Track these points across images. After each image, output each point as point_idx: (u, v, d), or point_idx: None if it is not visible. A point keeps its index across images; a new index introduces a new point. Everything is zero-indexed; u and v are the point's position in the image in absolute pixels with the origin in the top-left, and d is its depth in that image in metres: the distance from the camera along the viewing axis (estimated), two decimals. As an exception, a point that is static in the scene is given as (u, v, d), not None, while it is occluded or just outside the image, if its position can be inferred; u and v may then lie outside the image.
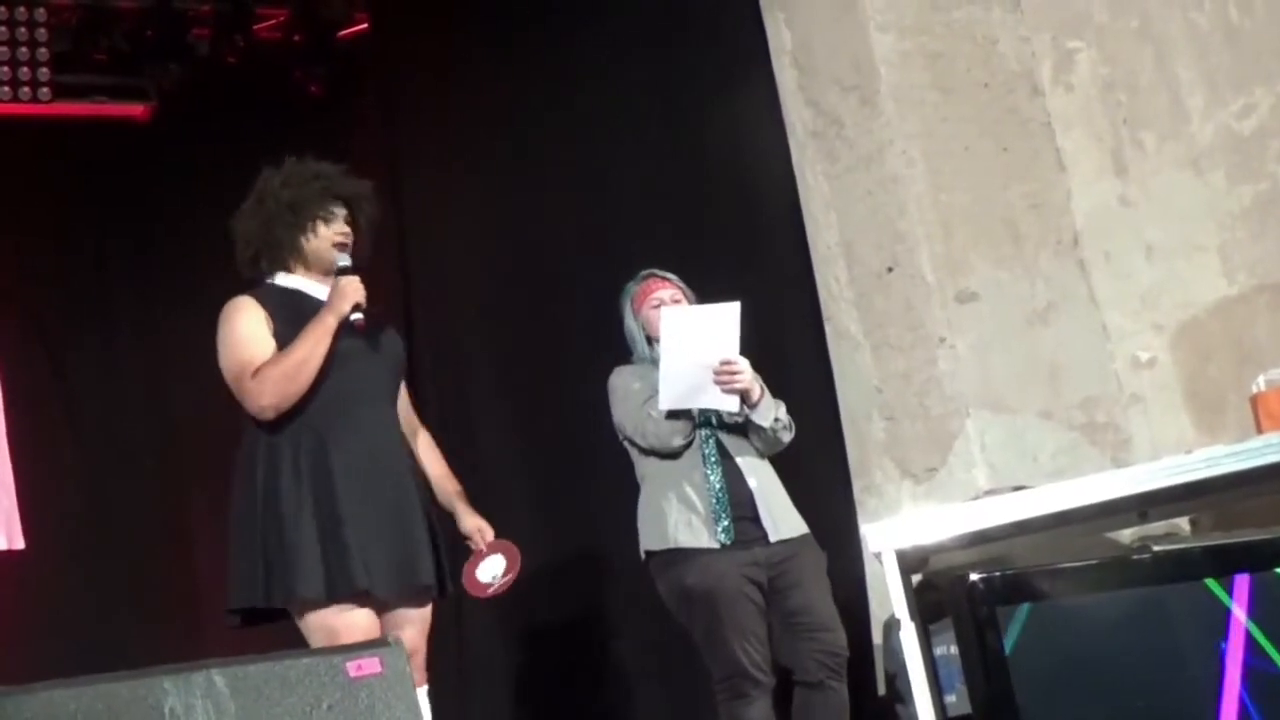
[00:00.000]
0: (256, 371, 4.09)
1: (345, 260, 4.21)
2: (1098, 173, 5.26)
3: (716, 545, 4.54)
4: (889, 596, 4.70)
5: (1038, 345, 5.18)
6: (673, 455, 4.63)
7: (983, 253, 5.21)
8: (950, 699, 4.47)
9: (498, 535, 4.43)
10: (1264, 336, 4.84)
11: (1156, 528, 4.45)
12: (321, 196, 4.28)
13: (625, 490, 4.78)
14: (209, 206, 5.58)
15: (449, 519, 4.39)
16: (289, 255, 4.28)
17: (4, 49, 6.64)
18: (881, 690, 5.07)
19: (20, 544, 6.59)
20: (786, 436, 4.66)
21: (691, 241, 5.67)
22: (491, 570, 4.42)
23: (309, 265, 4.26)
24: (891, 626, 4.89)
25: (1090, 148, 5.27)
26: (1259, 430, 4.42)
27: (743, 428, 4.61)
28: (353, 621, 3.96)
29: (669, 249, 5.58)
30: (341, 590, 3.95)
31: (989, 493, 4.72)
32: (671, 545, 4.58)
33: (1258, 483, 4.24)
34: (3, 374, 6.73)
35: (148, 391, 7.00)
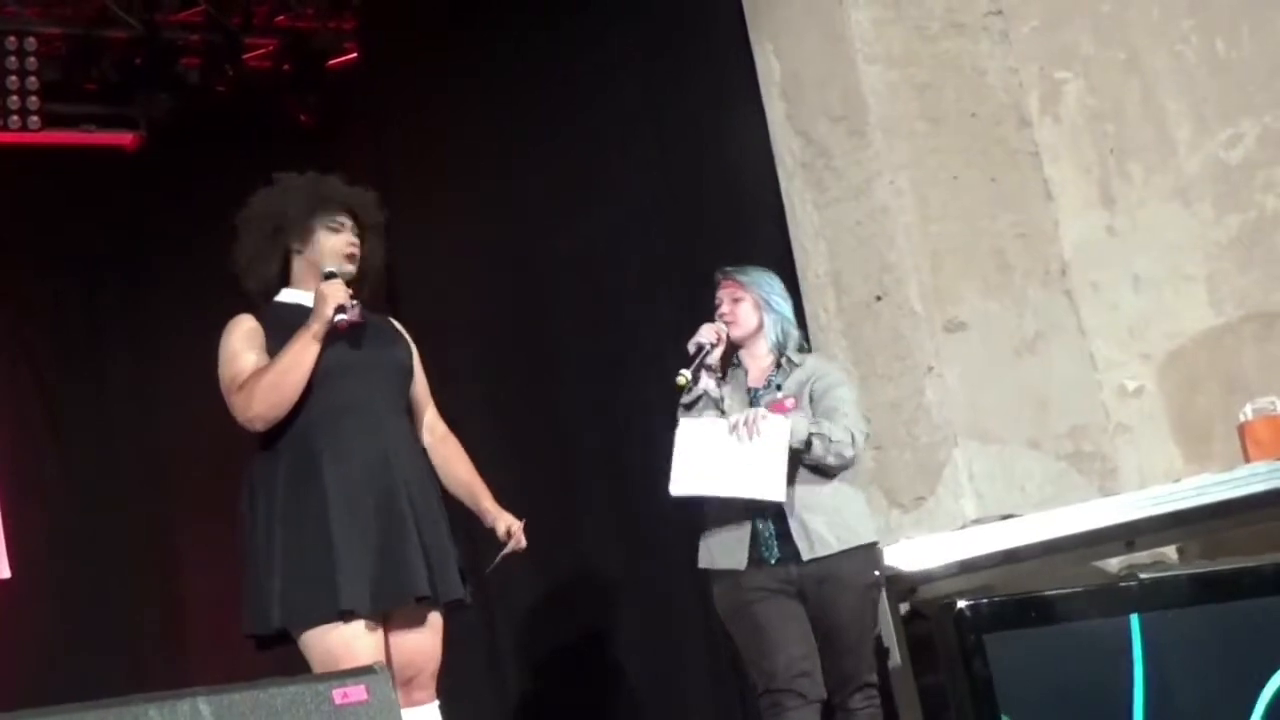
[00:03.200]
0: (244, 383, 4.10)
1: (331, 267, 4.20)
2: (1085, 203, 5.29)
3: (741, 565, 4.52)
4: (878, 625, 4.74)
5: (1026, 375, 5.19)
6: None
7: (971, 283, 5.23)
8: (941, 729, 4.47)
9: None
10: (1251, 366, 4.85)
11: (1143, 556, 4.45)
12: (322, 207, 4.28)
13: (616, 508, 4.77)
14: (198, 234, 5.59)
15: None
16: (283, 269, 4.30)
17: (-8, 73, 6.66)
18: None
19: (6, 573, 6.58)
20: (836, 453, 4.49)
21: (681, 269, 5.67)
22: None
23: (308, 279, 4.27)
24: (881, 655, 4.88)
25: (1078, 178, 5.30)
26: (1246, 459, 4.44)
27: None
28: (349, 641, 3.92)
29: (658, 276, 5.63)
30: (321, 614, 3.94)
31: (977, 522, 4.73)
32: (708, 566, 4.60)
33: (1245, 511, 4.26)
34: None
35: (136, 419, 7.00)
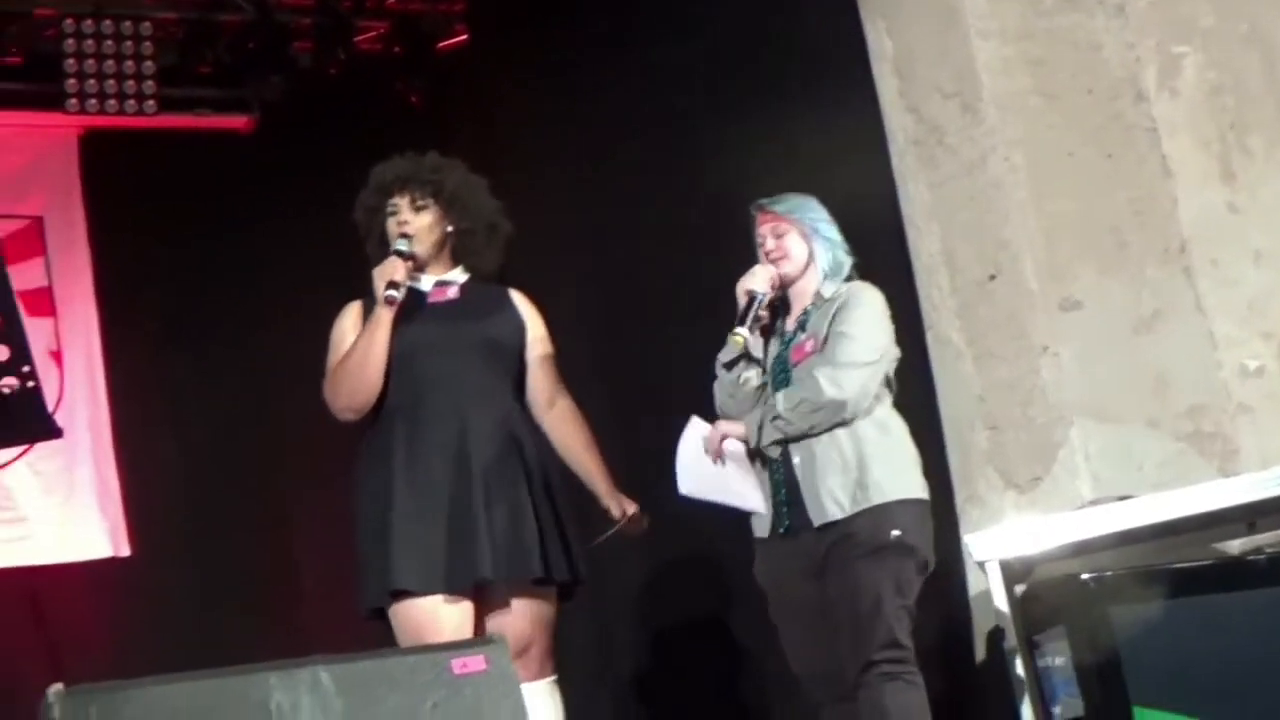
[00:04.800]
0: (328, 378, 4.21)
1: (401, 245, 4.23)
2: (1204, 179, 5.20)
3: (766, 535, 4.43)
4: (992, 607, 4.70)
5: (1143, 354, 5.12)
6: None
7: (1087, 260, 5.17)
8: (1056, 710, 4.43)
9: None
10: (1378, 345, 4.77)
11: (1265, 539, 4.38)
12: (375, 195, 4.36)
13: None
14: (309, 216, 5.65)
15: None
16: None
17: (111, 63, 6.77)
18: (985, 700, 5.03)
19: (126, 551, 6.72)
20: (815, 418, 4.28)
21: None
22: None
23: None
24: (995, 638, 4.84)
25: (1197, 154, 5.22)
26: (1373, 439, 4.37)
27: None
28: (434, 617, 3.93)
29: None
30: (374, 595, 4.03)
31: (1093, 503, 4.69)
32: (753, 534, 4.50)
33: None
34: (109, 384, 6.85)
35: (250, 397, 7.08)
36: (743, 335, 4.43)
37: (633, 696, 6.30)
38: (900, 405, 4.82)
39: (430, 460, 4.11)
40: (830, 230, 4.56)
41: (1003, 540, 4.65)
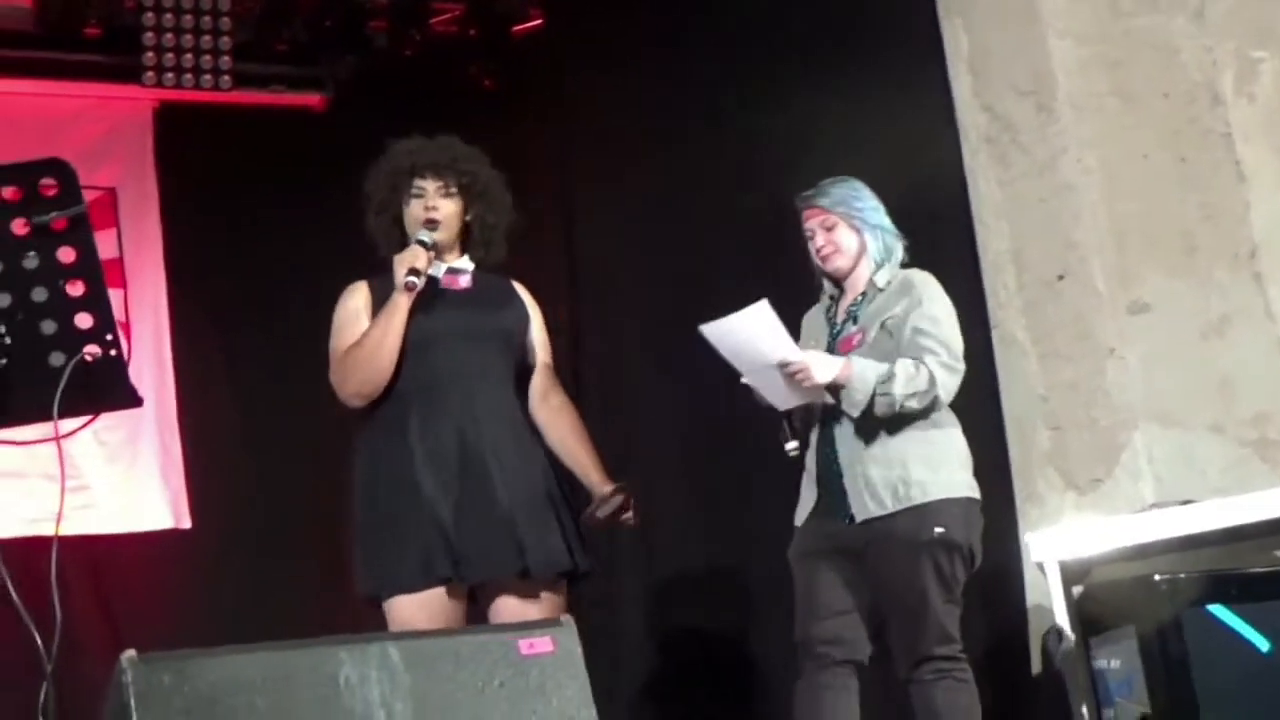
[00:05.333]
0: (338, 361, 4.16)
1: (422, 235, 4.18)
2: (1277, 185, 5.17)
3: (802, 521, 4.44)
4: (1048, 607, 4.69)
5: (1210, 358, 5.11)
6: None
7: (1156, 263, 5.16)
8: (1109, 713, 4.42)
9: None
10: None
11: (1330, 548, 4.37)
12: (395, 177, 4.29)
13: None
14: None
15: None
16: (399, 237, 4.28)
17: (189, 37, 6.79)
18: (1039, 701, 5.02)
19: (187, 523, 6.76)
20: (913, 405, 4.26)
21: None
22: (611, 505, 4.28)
23: None
24: (1050, 639, 4.84)
25: (1271, 159, 5.19)
26: None
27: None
28: (429, 614, 3.90)
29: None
30: (392, 584, 3.97)
31: (1155, 506, 4.68)
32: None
33: None
34: (175, 356, 6.90)
35: (313, 373, 7.10)
36: (794, 447, 4.42)
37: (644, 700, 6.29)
38: (962, 402, 4.82)
39: (448, 448, 4.08)
40: (878, 217, 4.52)
41: (1062, 541, 4.65)
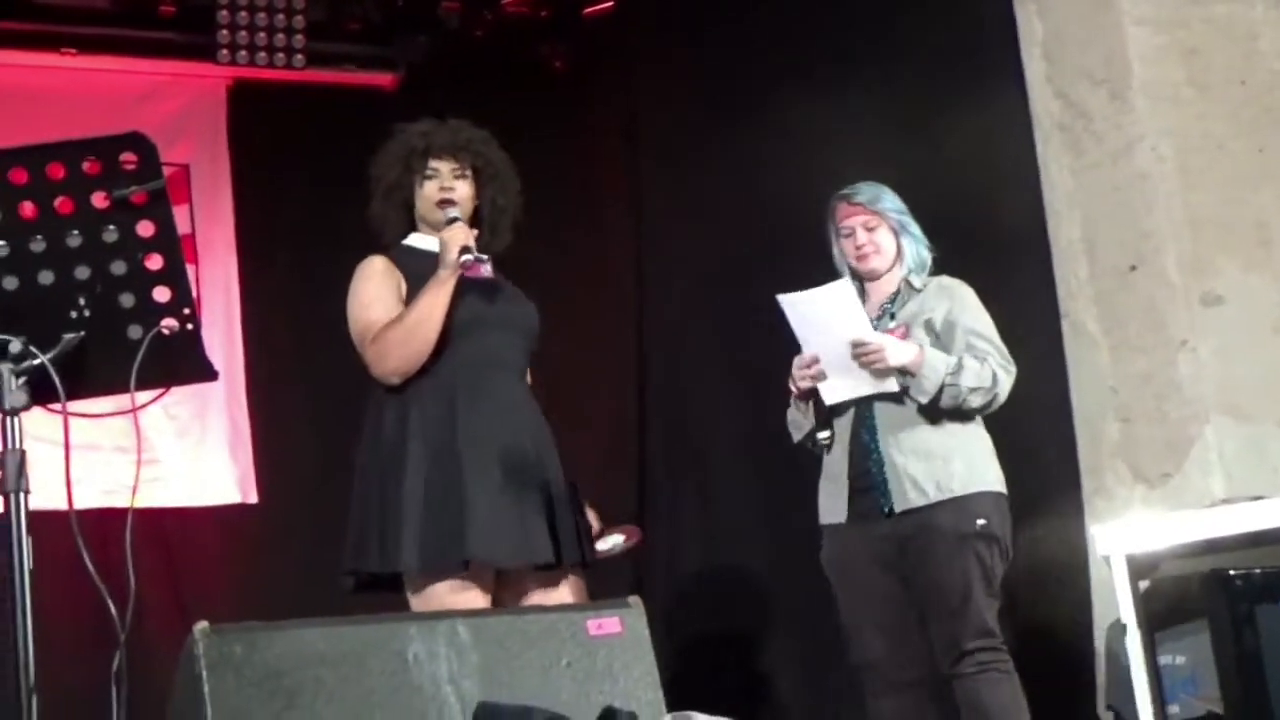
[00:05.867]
0: (376, 336, 4.10)
1: (453, 213, 4.17)
2: (1357, 177, 5.13)
3: (842, 520, 4.42)
4: (1113, 601, 4.67)
5: (1286, 352, 5.07)
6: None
7: (1231, 255, 5.11)
8: (1173, 709, 4.40)
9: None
10: None
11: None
12: (409, 158, 4.27)
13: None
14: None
15: None
16: (402, 223, 4.31)
17: (263, 16, 6.84)
18: (1101, 695, 5.00)
19: (254, 498, 6.82)
20: (973, 402, 4.34)
21: (930, 229, 5.61)
22: (611, 541, 4.46)
23: (427, 228, 4.27)
24: (1114, 633, 4.81)
25: (1352, 150, 5.15)
26: None
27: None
28: (458, 598, 3.83)
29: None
30: (445, 562, 3.92)
31: (1225, 501, 4.64)
32: (821, 521, 4.51)
33: None
34: (245, 333, 6.96)
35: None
36: (827, 435, 4.47)
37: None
38: (1030, 394, 4.80)
39: (491, 434, 4.08)
40: (914, 226, 4.59)
41: (1130, 534, 4.62)
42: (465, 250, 4.07)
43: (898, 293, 4.55)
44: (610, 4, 7.36)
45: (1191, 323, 5.05)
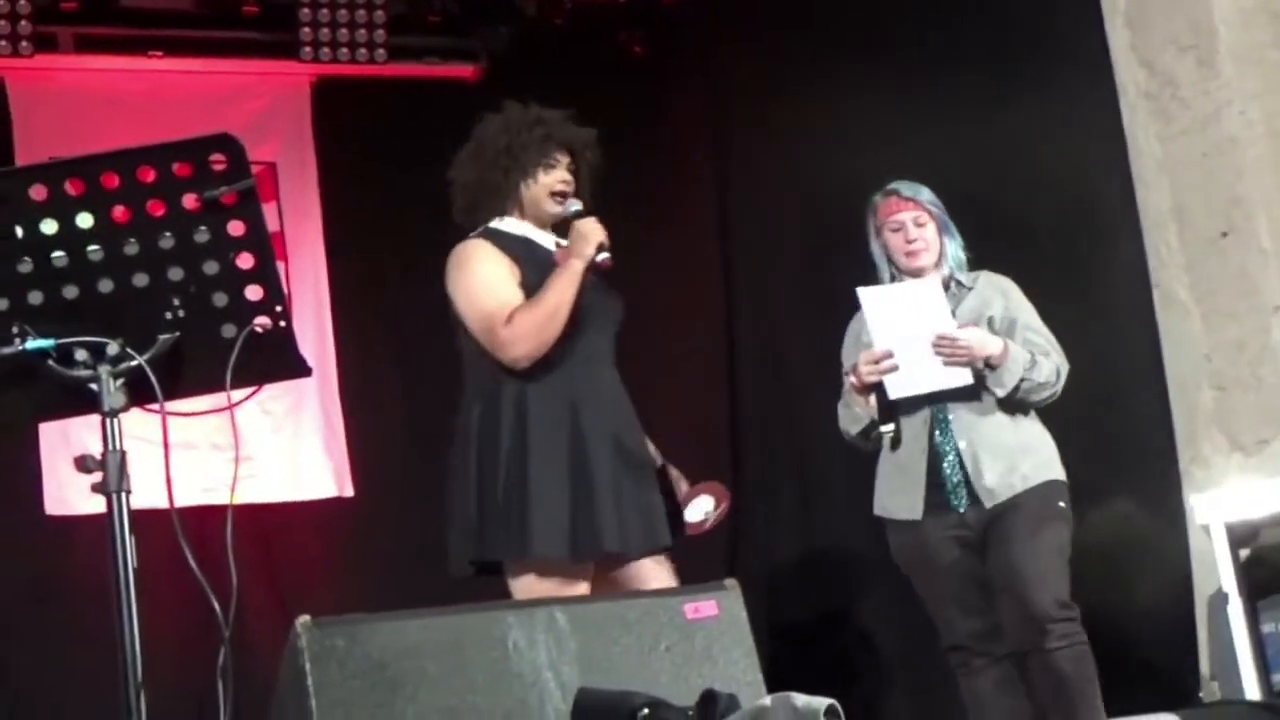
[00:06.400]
0: (510, 318, 4.02)
1: (576, 205, 4.15)
2: None
3: (918, 517, 4.45)
4: (1214, 570, 4.64)
5: (1381, 316, 5.01)
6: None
7: (1323, 219, 5.06)
8: (1277, 678, 4.38)
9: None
10: None
11: None
12: (542, 143, 4.22)
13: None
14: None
15: None
16: (508, 202, 4.24)
17: (344, 12, 6.90)
18: (1205, 665, 4.97)
19: (349, 492, 6.88)
20: (1038, 396, 4.41)
21: (1018, 203, 5.61)
22: (702, 509, 4.46)
23: (525, 213, 4.22)
24: (1217, 601, 4.79)
25: None
26: None
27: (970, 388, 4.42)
28: (568, 588, 3.84)
29: (995, 211, 5.52)
30: (585, 551, 3.92)
31: (1324, 467, 4.61)
32: (880, 513, 4.55)
33: None
34: (336, 328, 7.02)
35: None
36: (891, 429, 4.48)
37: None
38: (1126, 363, 4.77)
39: (607, 426, 4.09)
40: (953, 226, 4.61)
41: (1228, 502, 4.59)
42: (601, 248, 4.07)
43: (948, 290, 4.53)
44: (689, -11, 7.36)
45: (1288, 289, 5.01)
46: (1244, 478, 4.86)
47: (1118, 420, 5.10)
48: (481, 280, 4.14)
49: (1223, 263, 5.12)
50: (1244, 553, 4.48)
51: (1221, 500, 4.61)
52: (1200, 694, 4.90)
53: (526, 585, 3.93)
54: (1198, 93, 5.18)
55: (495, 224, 4.27)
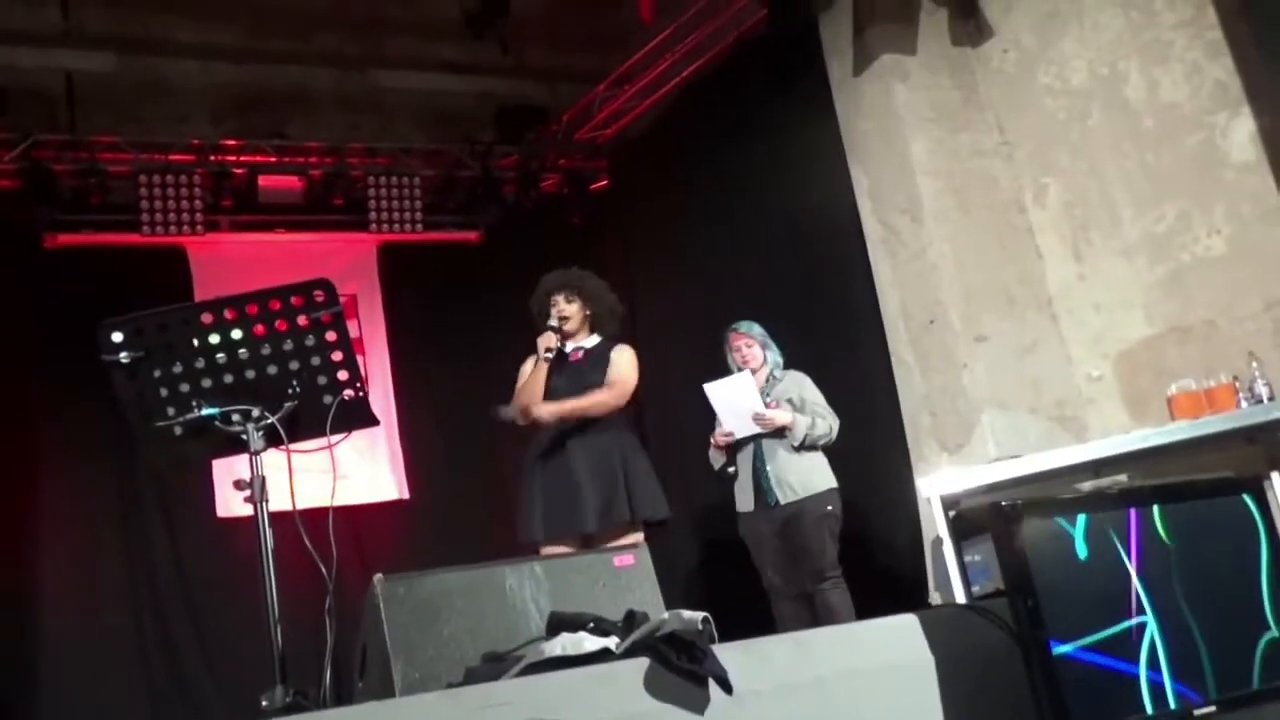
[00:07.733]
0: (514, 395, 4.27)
1: (553, 322, 4.24)
2: (1063, 260, 5.15)
3: (750, 509, 4.60)
4: (934, 525, 4.65)
5: (1027, 368, 5.08)
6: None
7: (990, 311, 5.13)
8: (975, 589, 4.37)
9: None
10: (1174, 360, 4.69)
11: (1105, 482, 4.32)
12: (543, 296, 4.32)
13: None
14: (515, 296, 5.56)
15: None
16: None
17: (397, 201, 6.88)
18: (931, 583, 4.97)
19: (406, 495, 6.78)
20: (820, 442, 4.56)
21: (803, 306, 5.63)
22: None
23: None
24: (936, 545, 4.80)
25: (1057, 244, 5.17)
26: (1172, 419, 4.29)
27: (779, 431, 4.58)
28: (557, 551, 3.95)
29: (789, 311, 5.47)
30: (564, 533, 4.05)
31: (997, 460, 4.64)
32: (737, 509, 4.68)
33: (1171, 452, 4.12)
34: (396, 395, 6.94)
35: (479, 404, 7.06)
36: (732, 468, 4.68)
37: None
38: (872, 403, 4.71)
39: (582, 447, 4.15)
40: (772, 342, 4.79)
41: (940, 483, 4.61)
42: (548, 350, 4.18)
43: (769, 381, 4.72)
44: (606, 182, 7.39)
45: (969, 353, 5.06)
46: (950, 468, 4.88)
47: (871, 438, 5.10)
48: (519, 376, 4.31)
49: (932, 339, 5.16)
50: (952, 513, 4.49)
51: (936, 482, 4.62)
52: (929, 601, 4.90)
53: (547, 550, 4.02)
54: (912, 237, 5.24)
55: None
